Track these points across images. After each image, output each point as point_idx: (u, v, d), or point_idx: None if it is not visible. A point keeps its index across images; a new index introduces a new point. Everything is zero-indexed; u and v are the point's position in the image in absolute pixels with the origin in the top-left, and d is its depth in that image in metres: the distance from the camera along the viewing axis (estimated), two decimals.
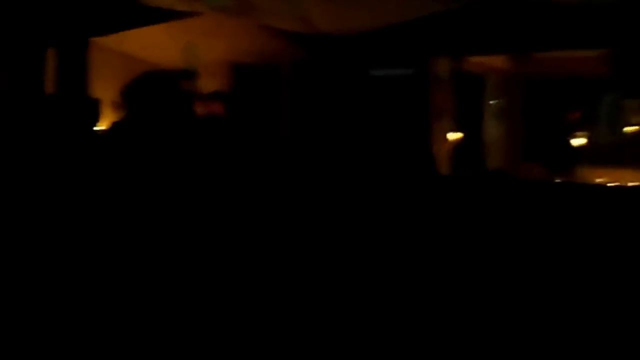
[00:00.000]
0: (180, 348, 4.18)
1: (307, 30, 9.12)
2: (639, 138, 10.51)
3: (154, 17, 8.81)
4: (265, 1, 8.45)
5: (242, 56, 10.56)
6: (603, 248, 5.43)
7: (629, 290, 4.91)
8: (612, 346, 4.56)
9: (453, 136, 9.91)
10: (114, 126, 4.64)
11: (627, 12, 8.62)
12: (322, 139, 8.89)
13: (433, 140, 9.68)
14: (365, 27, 9.24)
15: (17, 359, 3.87)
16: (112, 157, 4.49)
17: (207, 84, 8.90)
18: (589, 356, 4.56)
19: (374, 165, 6.89)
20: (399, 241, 5.30)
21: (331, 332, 4.39)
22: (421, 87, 9.87)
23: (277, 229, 5.96)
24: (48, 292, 4.33)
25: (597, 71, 10.25)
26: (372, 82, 9.98)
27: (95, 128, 7.53)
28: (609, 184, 9.56)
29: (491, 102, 10.82)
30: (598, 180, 9.81)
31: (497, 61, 10.56)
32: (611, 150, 10.64)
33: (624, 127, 10.56)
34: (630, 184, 9.51)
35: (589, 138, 10.49)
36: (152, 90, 4.44)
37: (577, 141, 10.36)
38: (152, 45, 9.97)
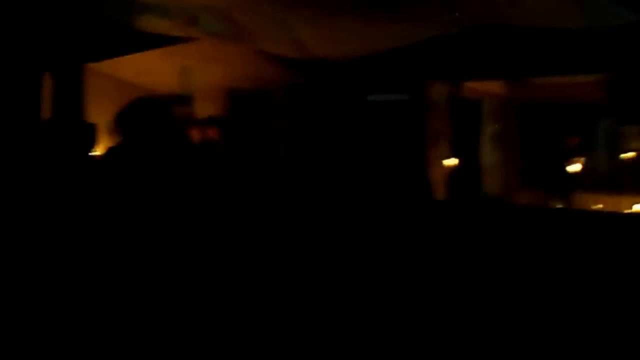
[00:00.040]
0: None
1: (301, 55, 9.11)
2: (636, 164, 10.55)
3: (150, 42, 8.80)
4: (259, 27, 8.45)
5: (238, 81, 10.57)
6: (600, 274, 5.56)
7: (626, 314, 4.95)
8: None
9: (450, 161, 9.88)
10: (110, 151, 4.66)
11: (624, 38, 8.60)
12: (318, 163, 8.87)
13: (429, 165, 9.67)
14: (359, 53, 9.23)
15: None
16: (107, 182, 4.48)
17: (203, 109, 8.93)
18: None
19: (370, 190, 6.89)
20: (394, 266, 5.24)
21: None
22: (417, 112, 9.86)
23: (273, 251, 5.97)
24: (41, 313, 4.33)
25: (594, 97, 10.31)
26: (367, 107, 9.97)
27: (91, 153, 7.62)
28: (605, 211, 9.48)
29: (487, 127, 10.82)
30: (595, 206, 9.78)
31: (493, 86, 10.61)
32: (609, 176, 10.76)
33: (621, 153, 10.65)
34: (627, 210, 9.46)
35: (586, 164, 10.46)
36: (144, 115, 4.40)
37: (575, 167, 10.35)
38: (148, 71, 9.97)
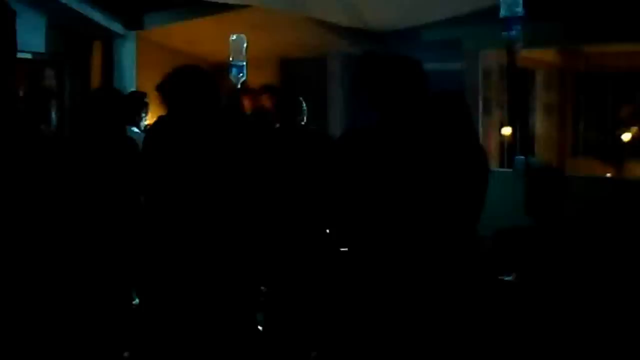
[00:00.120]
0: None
1: (356, 24, 8.88)
2: None
3: (202, 10, 8.63)
4: None
5: (289, 49, 10.33)
6: None
7: None
8: None
9: (505, 130, 9.66)
10: (158, 121, 4.49)
11: None
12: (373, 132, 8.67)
13: (485, 134, 9.44)
14: (412, 22, 8.96)
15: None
16: (153, 152, 4.32)
17: (256, 77, 8.71)
18: None
19: (425, 155, 6.69)
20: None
21: None
22: (472, 81, 9.61)
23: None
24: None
25: None
26: (419, 76, 9.68)
27: (142, 121, 7.45)
28: None
29: (541, 96, 10.57)
30: None
31: (547, 55, 10.29)
32: None
33: None
34: None
35: (637, 132, 10.17)
36: (186, 84, 4.22)
37: (628, 135, 10.03)
38: (199, 39, 9.80)
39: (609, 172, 9.71)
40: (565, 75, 10.82)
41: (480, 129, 9.26)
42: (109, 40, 9.00)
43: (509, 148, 9.11)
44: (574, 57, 10.39)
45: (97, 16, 8.52)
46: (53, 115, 7.53)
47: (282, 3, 8.42)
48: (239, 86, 8.04)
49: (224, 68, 9.33)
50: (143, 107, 7.53)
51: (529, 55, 9.41)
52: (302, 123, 6.60)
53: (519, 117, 8.63)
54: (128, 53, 9.08)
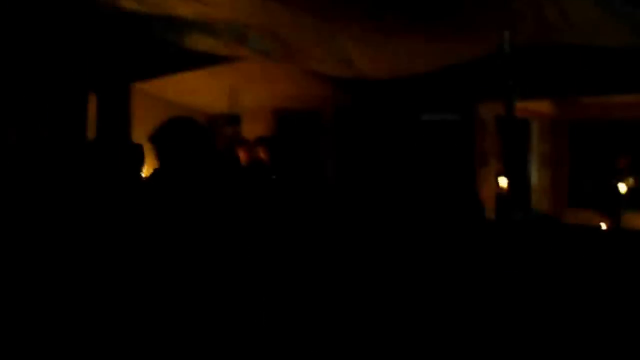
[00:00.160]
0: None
1: (351, 74, 8.76)
2: None
3: (198, 61, 8.51)
4: (309, 46, 8.09)
5: (285, 101, 10.22)
6: None
7: None
8: None
9: (501, 181, 9.55)
10: (154, 173, 4.46)
11: None
12: (367, 183, 8.62)
13: (481, 185, 9.34)
14: (408, 72, 8.84)
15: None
16: (152, 205, 4.33)
17: (251, 129, 8.63)
18: None
19: (421, 209, 6.91)
20: (447, 283, 5.44)
21: None
22: (467, 132, 9.53)
23: (325, 270, 5.75)
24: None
25: None
26: (417, 126, 9.66)
27: (137, 173, 7.34)
28: None
29: (536, 146, 10.50)
30: None
31: (543, 106, 10.20)
32: None
33: None
34: None
35: (635, 183, 10.06)
36: (177, 135, 4.25)
37: (622, 187, 9.93)
38: (195, 91, 9.71)
39: (605, 223, 9.56)
40: (560, 126, 10.76)
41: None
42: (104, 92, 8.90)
43: (505, 199, 9.05)
44: (569, 107, 10.29)
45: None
46: None
47: (276, 56, 8.32)
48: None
49: (219, 120, 9.28)
50: (140, 160, 7.39)
51: (524, 105, 9.36)
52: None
53: (514, 168, 8.55)
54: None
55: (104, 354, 4.20)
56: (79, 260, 4.43)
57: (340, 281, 5.80)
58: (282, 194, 6.61)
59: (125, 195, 4.89)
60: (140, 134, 8.13)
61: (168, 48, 7.86)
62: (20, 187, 5.25)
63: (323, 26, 7.59)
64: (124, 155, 5.56)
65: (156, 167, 4.35)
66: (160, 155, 4.26)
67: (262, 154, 7.68)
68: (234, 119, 8.85)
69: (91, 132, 8.77)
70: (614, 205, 9.79)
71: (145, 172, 7.26)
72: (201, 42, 7.76)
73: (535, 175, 10.66)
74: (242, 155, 7.92)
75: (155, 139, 4.27)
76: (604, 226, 9.37)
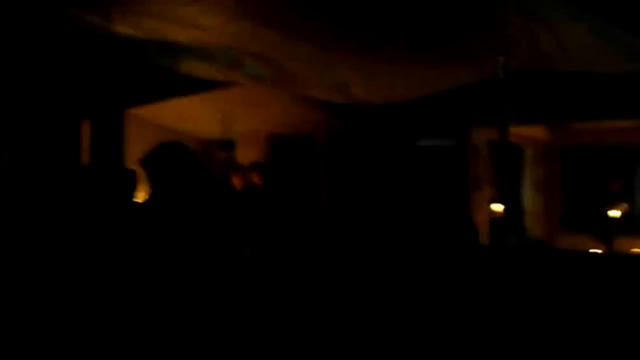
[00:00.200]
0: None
1: (345, 100, 8.68)
2: None
3: (192, 87, 8.42)
4: (304, 72, 8.00)
5: (278, 127, 10.12)
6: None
7: None
8: None
9: (495, 207, 9.47)
10: (149, 199, 4.44)
11: None
12: (361, 208, 8.55)
13: (474, 210, 9.25)
14: (403, 97, 8.76)
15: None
16: (148, 229, 4.40)
17: (245, 154, 8.55)
18: None
19: (415, 234, 6.88)
20: (442, 309, 5.46)
21: None
22: (460, 157, 9.46)
23: (319, 296, 5.73)
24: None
25: (636, 141, 9.93)
26: (411, 152, 9.59)
27: (131, 199, 7.26)
28: None
29: (529, 172, 10.44)
30: (635, 250, 9.44)
31: (536, 132, 10.16)
32: None
33: None
34: None
35: (628, 208, 10.02)
36: (166, 158, 4.35)
37: (615, 212, 9.88)
38: (189, 116, 9.61)
39: (598, 248, 9.49)
40: (553, 151, 10.69)
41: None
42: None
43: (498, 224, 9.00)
44: (562, 133, 10.25)
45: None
46: None
47: (271, 82, 8.23)
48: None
49: (213, 145, 9.21)
50: (132, 185, 7.31)
51: (517, 131, 9.32)
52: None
53: (508, 193, 8.51)
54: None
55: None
56: (71, 284, 4.42)
57: (330, 309, 5.77)
58: (276, 219, 6.58)
59: (118, 221, 4.87)
60: (133, 159, 8.02)
61: (163, 73, 7.77)
62: (13, 212, 5.23)
63: (319, 53, 7.52)
64: (117, 181, 5.55)
65: (149, 191, 4.34)
66: (150, 179, 4.31)
67: (256, 179, 7.62)
68: (228, 144, 8.77)
69: (85, 158, 8.68)
70: (607, 230, 9.70)
71: (139, 197, 7.21)
72: (196, 68, 7.66)
73: (528, 200, 10.58)
74: (236, 180, 7.85)
75: (146, 163, 4.34)
76: (599, 251, 9.34)
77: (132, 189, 7.35)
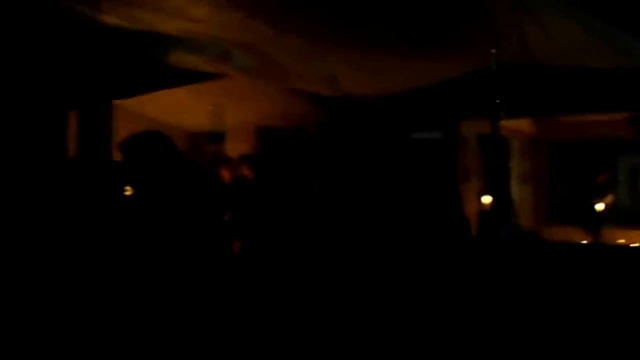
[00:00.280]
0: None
1: (335, 93, 8.52)
2: None
3: (181, 78, 8.21)
4: (293, 64, 7.82)
5: (268, 119, 9.94)
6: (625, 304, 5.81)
7: None
8: None
9: (485, 198, 9.40)
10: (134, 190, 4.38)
11: None
12: (350, 199, 8.42)
13: (464, 202, 9.18)
14: (393, 90, 8.62)
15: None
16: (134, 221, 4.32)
17: (235, 147, 8.40)
18: None
19: (405, 226, 6.79)
20: (431, 300, 5.41)
21: None
22: (449, 150, 9.36)
23: (310, 289, 5.69)
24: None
25: (620, 134, 9.86)
26: (400, 144, 9.48)
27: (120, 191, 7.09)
28: (631, 245, 9.26)
29: (516, 164, 10.35)
30: (620, 241, 9.49)
31: (523, 124, 10.06)
32: (636, 212, 10.37)
33: None
34: None
35: (613, 200, 9.99)
36: (146, 148, 4.34)
37: (602, 203, 9.82)
38: (177, 108, 9.40)
39: (585, 239, 9.50)
40: (540, 144, 10.62)
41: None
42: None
43: (487, 216, 8.94)
44: (549, 126, 10.15)
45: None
46: None
47: (261, 73, 8.04)
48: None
49: (202, 138, 9.03)
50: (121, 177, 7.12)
51: (505, 124, 9.23)
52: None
53: (498, 185, 8.47)
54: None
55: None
56: (58, 275, 4.35)
57: (322, 300, 5.69)
58: (266, 211, 6.47)
59: (105, 213, 4.81)
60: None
61: (151, 65, 7.58)
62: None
63: (308, 45, 7.35)
64: (105, 173, 5.44)
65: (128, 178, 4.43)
66: (127, 163, 4.31)
67: (246, 172, 7.47)
68: (217, 137, 8.58)
69: (71, 150, 8.48)
70: (593, 221, 9.70)
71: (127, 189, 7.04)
72: (185, 59, 7.46)
73: (516, 193, 10.50)
74: (225, 173, 7.70)
75: (123, 147, 4.35)
76: (586, 242, 9.35)
77: (119, 181, 7.19)
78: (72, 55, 7.29)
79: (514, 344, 4.97)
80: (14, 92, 7.24)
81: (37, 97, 7.34)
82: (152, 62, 7.47)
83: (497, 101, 6.99)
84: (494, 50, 7.21)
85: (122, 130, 8.62)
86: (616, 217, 9.91)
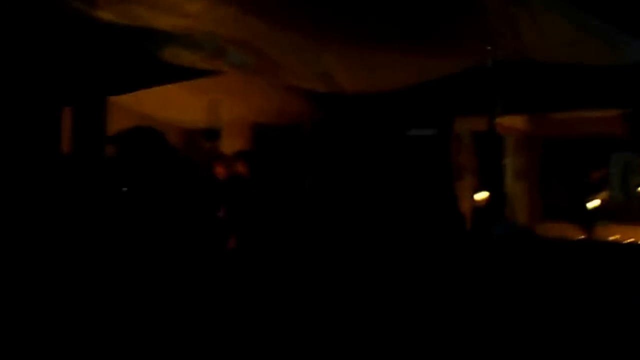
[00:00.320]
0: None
1: (329, 90, 8.46)
2: None
3: (176, 75, 8.14)
4: (288, 61, 7.77)
5: (263, 116, 9.87)
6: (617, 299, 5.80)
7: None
8: None
9: (480, 195, 9.37)
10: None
11: None
12: (345, 197, 8.38)
13: (458, 199, 9.15)
14: (388, 87, 8.57)
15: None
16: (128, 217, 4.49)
17: (230, 144, 8.36)
18: None
19: (401, 222, 6.78)
20: (428, 295, 5.39)
21: None
22: (443, 147, 9.33)
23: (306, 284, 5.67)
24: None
25: (613, 131, 9.79)
26: (394, 142, 9.44)
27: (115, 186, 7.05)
28: (624, 242, 9.15)
29: (510, 161, 10.33)
30: (614, 237, 9.37)
31: (517, 121, 9.99)
32: (624, 208, 10.14)
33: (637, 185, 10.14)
34: None
35: (606, 196, 9.94)
36: (136, 141, 4.56)
37: (595, 200, 9.81)
38: (172, 105, 9.31)
39: (578, 235, 9.44)
40: (534, 141, 10.57)
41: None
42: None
43: (481, 212, 8.91)
44: (543, 123, 10.12)
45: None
46: None
47: (255, 70, 7.98)
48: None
49: (197, 134, 8.97)
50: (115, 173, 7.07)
51: (499, 121, 9.21)
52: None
53: (493, 182, 8.43)
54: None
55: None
56: (53, 270, 4.37)
57: (313, 295, 5.66)
58: (261, 208, 6.45)
59: (99, 209, 4.78)
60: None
61: (146, 61, 7.51)
62: None
63: (303, 41, 7.31)
64: (98, 169, 5.39)
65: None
66: (119, 156, 4.56)
67: (241, 168, 7.43)
68: (212, 134, 8.53)
69: (65, 146, 8.42)
70: (587, 218, 9.68)
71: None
72: (180, 56, 7.40)
73: (510, 189, 10.43)
74: (220, 169, 7.64)
75: (115, 140, 4.66)
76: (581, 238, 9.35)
77: (112, 177, 7.13)
78: (66, 51, 7.23)
79: (508, 339, 4.94)
80: (8, 88, 7.18)
81: (32, 93, 7.28)
82: (147, 58, 7.40)
83: (494, 98, 6.95)
84: (489, 48, 7.19)
85: (116, 126, 8.54)
86: (610, 213, 9.86)
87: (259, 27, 6.80)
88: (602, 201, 9.74)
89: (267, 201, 6.49)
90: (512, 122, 9.90)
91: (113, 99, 8.68)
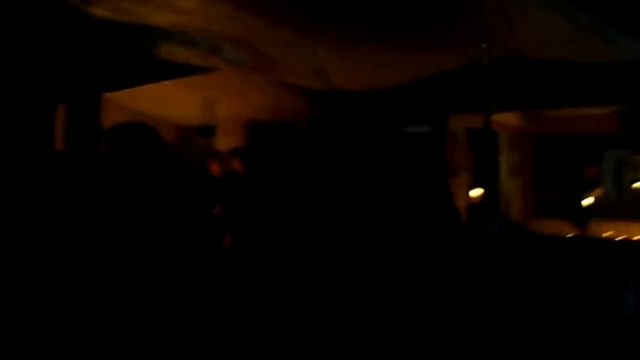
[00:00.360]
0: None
1: (325, 87, 8.39)
2: None
3: (172, 71, 8.06)
4: (283, 58, 7.69)
5: (258, 113, 9.79)
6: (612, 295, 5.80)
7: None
8: None
9: (475, 192, 9.33)
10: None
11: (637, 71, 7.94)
12: (341, 195, 8.32)
13: (454, 195, 9.12)
14: (383, 84, 8.51)
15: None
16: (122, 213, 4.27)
17: (225, 141, 8.29)
18: None
19: (397, 220, 6.74)
20: (425, 292, 5.37)
21: None
22: (438, 144, 9.27)
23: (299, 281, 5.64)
24: None
25: (607, 128, 9.76)
26: (390, 139, 9.38)
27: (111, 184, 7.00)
28: (617, 238, 9.23)
29: (504, 158, 10.32)
30: (607, 233, 9.45)
31: (510, 118, 9.99)
32: (618, 205, 10.13)
33: (633, 182, 10.07)
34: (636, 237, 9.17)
35: (604, 193, 9.92)
36: (129, 137, 4.33)
37: (589, 197, 9.78)
38: (167, 102, 9.23)
39: (572, 232, 9.42)
40: (528, 138, 10.58)
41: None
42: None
43: (477, 209, 8.87)
44: (538, 120, 10.08)
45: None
46: None
47: (251, 67, 7.90)
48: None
49: (193, 131, 8.91)
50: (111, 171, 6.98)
51: (494, 118, 9.16)
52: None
53: (487, 179, 8.39)
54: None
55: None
56: (46, 269, 4.22)
57: (309, 293, 5.61)
58: (256, 205, 6.39)
59: (94, 206, 4.68)
60: None
61: (141, 58, 7.43)
62: None
63: (298, 38, 7.21)
64: (93, 167, 5.30)
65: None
66: (111, 152, 4.32)
67: (236, 166, 7.36)
68: (207, 131, 8.46)
69: (59, 143, 8.34)
70: (581, 214, 9.65)
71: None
72: (175, 52, 7.31)
73: (504, 186, 10.44)
74: (215, 167, 7.57)
75: (106, 135, 4.43)
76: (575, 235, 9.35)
77: (110, 175, 7.06)
78: (60, 47, 7.14)
79: (502, 334, 4.95)
80: (1, 85, 7.11)
81: (25, 90, 7.20)
82: (141, 54, 7.32)
83: (489, 95, 6.89)
84: (484, 45, 7.12)
85: (110, 123, 8.47)
86: (603, 210, 9.86)
87: (254, 23, 6.70)
88: (596, 198, 9.69)
89: (262, 198, 6.41)
90: (507, 119, 9.89)
91: (107, 95, 8.60)
